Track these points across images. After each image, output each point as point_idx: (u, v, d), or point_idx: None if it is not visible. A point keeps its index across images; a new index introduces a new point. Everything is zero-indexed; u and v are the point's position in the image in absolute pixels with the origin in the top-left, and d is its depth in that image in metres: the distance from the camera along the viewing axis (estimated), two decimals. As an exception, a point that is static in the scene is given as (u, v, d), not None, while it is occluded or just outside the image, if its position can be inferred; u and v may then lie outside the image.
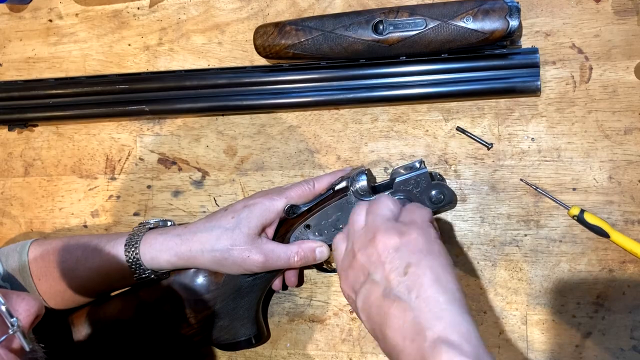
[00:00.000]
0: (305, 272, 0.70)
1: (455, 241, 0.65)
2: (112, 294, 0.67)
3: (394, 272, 0.47)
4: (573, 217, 0.61)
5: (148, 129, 0.74)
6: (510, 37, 0.59)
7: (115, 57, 0.76)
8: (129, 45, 0.75)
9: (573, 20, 0.63)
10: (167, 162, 0.74)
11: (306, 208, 0.62)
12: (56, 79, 0.74)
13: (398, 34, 0.61)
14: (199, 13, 0.73)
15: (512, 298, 0.64)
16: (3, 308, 0.42)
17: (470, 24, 0.59)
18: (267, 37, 0.64)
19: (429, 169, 0.63)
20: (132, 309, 0.65)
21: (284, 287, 0.68)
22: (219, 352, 0.70)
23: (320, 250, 0.62)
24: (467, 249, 0.65)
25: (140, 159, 0.74)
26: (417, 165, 0.61)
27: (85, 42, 0.77)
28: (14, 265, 0.63)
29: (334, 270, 0.66)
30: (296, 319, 0.69)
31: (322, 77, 0.66)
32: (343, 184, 0.62)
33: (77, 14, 0.77)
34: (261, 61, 0.70)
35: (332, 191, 0.62)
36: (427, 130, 0.67)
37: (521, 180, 0.64)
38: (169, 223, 0.67)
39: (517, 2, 0.59)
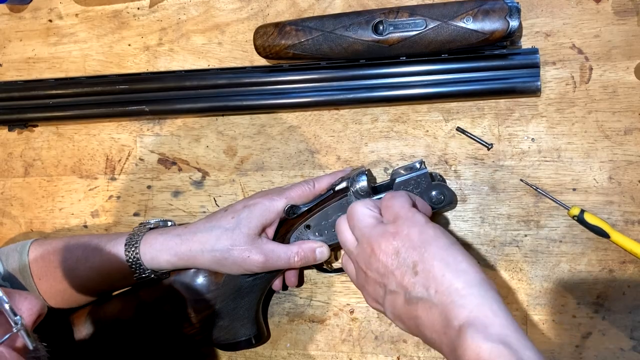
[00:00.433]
0: (306, 272, 0.70)
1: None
2: (113, 294, 0.67)
3: (406, 276, 0.48)
4: (573, 217, 0.61)
5: (148, 129, 0.74)
6: (511, 37, 0.59)
7: (115, 58, 0.76)
8: (129, 45, 0.75)
9: (573, 20, 0.63)
10: (167, 162, 0.74)
11: (306, 208, 0.62)
12: (56, 79, 0.74)
13: (398, 34, 0.61)
14: (199, 13, 0.73)
15: (512, 298, 0.64)
16: (7, 306, 0.42)
17: (470, 24, 0.59)
18: (267, 37, 0.64)
19: (429, 169, 0.63)
20: (132, 309, 0.65)
21: (284, 287, 0.68)
22: (219, 352, 0.70)
23: (320, 251, 0.62)
24: (467, 249, 0.65)
25: (140, 159, 0.74)
26: (418, 165, 0.61)
27: (85, 42, 0.77)
28: (14, 265, 0.63)
29: (334, 271, 0.66)
30: (296, 319, 0.69)
31: (322, 77, 0.66)
32: (343, 185, 0.62)
33: (77, 14, 0.77)
34: (261, 61, 0.70)
35: (332, 192, 0.62)
36: (427, 131, 0.67)
37: (521, 180, 0.64)
38: (169, 223, 0.67)
39: (517, 3, 0.59)
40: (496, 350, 0.41)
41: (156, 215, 0.73)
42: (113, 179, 0.75)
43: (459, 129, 0.66)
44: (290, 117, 0.70)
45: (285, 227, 0.63)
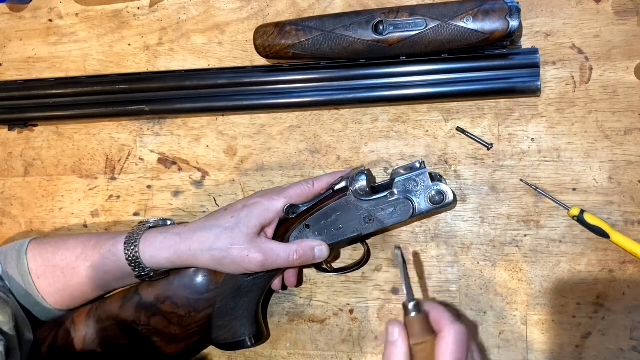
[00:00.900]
0: (305, 272, 0.70)
1: (456, 241, 0.65)
2: (112, 293, 0.67)
3: None
4: (573, 217, 0.61)
5: (148, 129, 0.74)
6: (511, 37, 0.59)
7: (115, 57, 0.76)
8: (129, 45, 0.75)
9: (573, 20, 0.63)
10: (167, 162, 0.74)
11: (305, 208, 0.62)
12: (56, 79, 0.74)
13: (398, 34, 0.61)
14: (199, 13, 0.73)
15: (512, 298, 0.64)
16: None
17: (470, 24, 0.59)
18: (267, 37, 0.64)
19: (429, 169, 0.63)
20: (132, 308, 0.65)
21: (284, 287, 0.68)
22: (218, 352, 0.70)
23: (319, 249, 0.62)
24: (467, 249, 0.65)
25: (140, 159, 0.74)
26: (417, 165, 0.61)
27: (85, 42, 0.77)
28: (12, 264, 0.63)
29: (334, 270, 0.66)
30: (296, 319, 0.69)
31: (322, 77, 0.66)
32: (343, 184, 0.62)
33: (77, 14, 0.77)
34: (261, 61, 0.70)
35: (331, 191, 0.62)
36: (427, 131, 0.67)
37: (521, 180, 0.64)
38: (168, 222, 0.67)
39: (517, 3, 0.59)
40: None
41: (156, 215, 0.73)
42: (113, 178, 0.75)
43: (459, 129, 0.66)
44: (290, 117, 0.70)
45: (285, 227, 0.63)
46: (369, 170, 0.64)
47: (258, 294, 0.65)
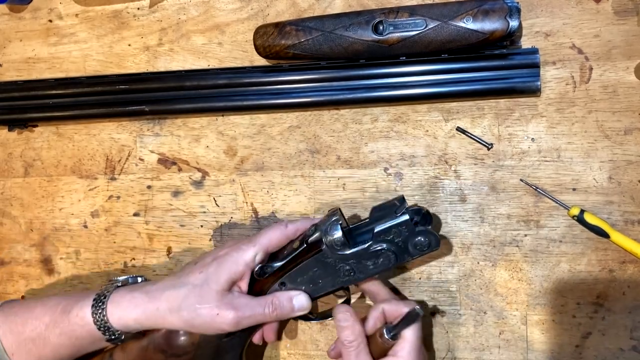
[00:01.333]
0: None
1: (455, 241, 0.65)
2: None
3: None
4: (573, 217, 0.61)
5: (148, 129, 0.74)
6: (510, 37, 0.59)
7: (115, 58, 0.76)
8: (129, 45, 0.75)
9: (573, 20, 0.63)
10: (167, 162, 0.74)
11: (279, 265, 0.59)
12: (56, 79, 0.74)
13: (398, 34, 0.61)
14: (199, 13, 0.73)
15: (512, 298, 0.64)
16: None
17: (470, 24, 0.59)
18: (267, 37, 0.64)
19: (409, 203, 0.60)
20: None
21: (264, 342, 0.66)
22: None
23: (298, 300, 0.59)
24: (467, 249, 0.65)
25: (140, 159, 0.74)
26: (397, 204, 0.58)
27: (85, 42, 0.77)
28: None
29: (321, 316, 0.64)
30: (296, 318, 0.69)
31: (322, 77, 0.66)
32: (317, 235, 0.58)
33: (77, 15, 0.77)
34: (261, 61, 0.70)
35: (305, 245, 0.59)
36: (427, 131, 0.67)
37: (521, 180, 0.64)
38: (139, 279, 0.64)
39: (517, 3, 0.59)
40: None
41: (156, 215, 0.73)
42: (113, 179, 0.75)
43: (459, 129, 0.66)
44: (290, 117, 0.70)
45: (259, 286, 0.60)
46: (340, 211, 0.60)
47: (239, 351, 0.61)
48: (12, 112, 0.75)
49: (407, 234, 0.57)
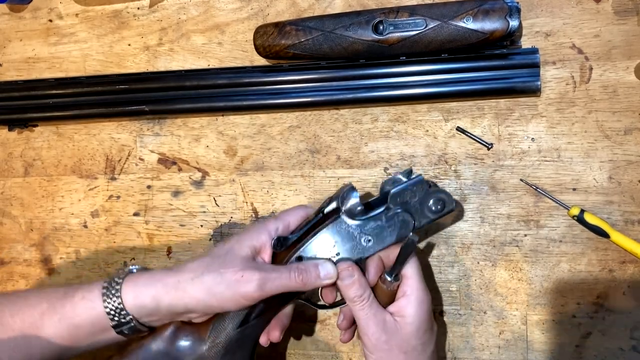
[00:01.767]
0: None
1: (455, 241, 0.65)
2: None
3: None
4: (573, 217, 0.61)
5: (148, 129, 0.74)
6: (511, 37, 0.59)
7: (115, 57, 0.76)
8: (129, 45, 0.75)
9: (573, 20, 0.63)
10: (167, 162, 0.74)
11: (295, 238, 0.57)
12: (56, 79, 0.74)
13: (398, 34, 0.61)
14: (199, 13, 0.73)
15: (512, 298, 0.64)
16: None
17: (470, 24, 0.59)
18: (267, 37, 0.64)
19: (422, 174, 0.59)
20: None
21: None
22: None
23: (324, 267, 0.56)
24: (467, 249, 0.65)
25: (140, 159, 0.74)
26: (405, 176, 0.58)
27: (85, 42, 0.77)
28: None
29: (333, 305, 0.60)
30: (296, 319, 0.69)
31: (322, 77, 0.66)
32: (333, 205, 0.57)
33: (77, 14, 0.77)
34: (261, 61, 0.70)
35: (321, 215, 0.57)
36: (427, 131, 0.67)
37: (521, 180, 0.64)
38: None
39: (517, 3, 0.59)
40: None
41: (156, 215, 0.73)
42: (113, 178, 0.75)
43: (459, 129, 0.66)
44: (290, 117, 0.70)
45: (278, 261, 0.58)
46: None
47: (250, 347, 0.58)
48: (12, 112, 0.75)
49: (422, 195, 0.56)
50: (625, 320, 0.61)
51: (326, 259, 0.56)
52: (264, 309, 0.57)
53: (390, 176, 0.59)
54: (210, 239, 0.72)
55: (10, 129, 0.77)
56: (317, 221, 0.57)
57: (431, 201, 0.57)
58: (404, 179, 0.57)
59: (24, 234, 0.78)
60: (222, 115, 0.72)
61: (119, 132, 0.75)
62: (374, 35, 0.61)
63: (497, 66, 0.62)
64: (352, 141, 0.68)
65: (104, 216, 0.75)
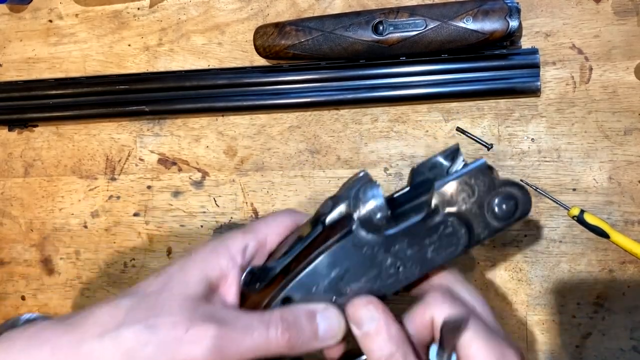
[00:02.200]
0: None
1: (455, 241, 0.65)
2: None
3: None
4: (573, 217, 0.61)
5: (148, 129, 0.74)
6: (510, 37, 0.59)
7: (115, 58, 0.76)
8: (129, 45, 0.75)
9: (573, 20, 0.63)
10: (167, 162, 0.74)
11: (279, 268, 0.38)
12: (56, 80, 0.74)
13: (398, 34, 0.61)
14: (199, 13, 0.73)
15: (512, 298, 0.64)
16: None
17: (470, 24, 0.59)
18: (267, 37, 0.64)
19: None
20: None
21: None
22: None
23: (325, 316, 0.37)
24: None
25: (140, 159, 0.74)
26: (448, 158, 0.39)
27: (85, 42, 0.77)
28: None
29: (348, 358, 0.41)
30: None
31: (322, 77, 0.66)
32: (340, 210, 0.37)
33: (77, 15, 0.77)
34: (261, 61, 0.70)
35: (322, 228, 0.37)
36: (427, 131, 0.67)
37: (521, 180, 0.64)
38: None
39: (517, 3, 0.59)
40: None
41: (156, 215, 0.73)
42: (113, 179, 0.75)
43: (458, 129, 0.66)
44: (290, 117, 0.70)
45: (251, 305, 0.38)
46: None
47: None
48: (12, 112, 0.75)
49: (484, 191, 0.36)
50: (625, 320, 0.61)
51: (328, 302, 0.37)
52: None
53: (424, 159, 0.41)
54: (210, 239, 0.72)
55: (10, 129, 0.77)
56: (314, 238, 0.38)
57: (496, 200, 0.37)
58: (447, 164, 0.39)
59: (24, 234, 0.78)
60: (222, 116, 0.72)
61: (119, 132, 0.75)
62: (374, 36, 0.61)
63: (497, 66, 0.62)
64: (352, 141, 0.68)
65: (104, 216, 0.75)
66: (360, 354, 0.38)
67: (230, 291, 0.37)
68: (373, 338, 0.36)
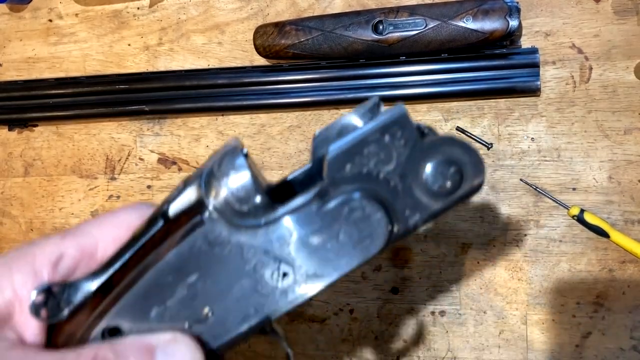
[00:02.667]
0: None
1: (456, 241, 0.65)
2: None
3: None
4: (573, 217, 0.61)
5: (148, 129, 0.74)
6: (510, 37, 0.59)
7: (115, 57, 0.76)
8: (129, 45, 0.75)
9: (573, 20, 0.63)
10: (167, 162, 0.74)
11: (100, 283, 0.27)
12: (56, 79, 0.74)
13: (398, 33, 0.61)
14: (198, 13, 0.73)
15: (512, 298, 0.64)
16: None
17: (470, 23, 0.59)
18: (267, 37, 0.64)
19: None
20: None
21: None
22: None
23: (169, 353, 0.26)
24: (468, 248, 0.65)
25: (140, 159, 0.74)
26: (366, 114, 0.27)
27: (85, 42, 0.77)
28: None
29: None
30: (296, 319, 0.69)
31: (322, 77, 0.66)
32: (190, 195, 0.28)
33: (77, 14, 0.77)
34: (261, 61, 0.70)
35: (162, 222, 0.29)
36: (427, 130, 0.67)
37: (521, 180, 0.64)
38: None
39: (517, 2, 0.59)
40: None
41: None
42: (113, 178, 0.75)
43: (458, 129, 0.66)
44: (290, 117, 0.70)
45: (61, 338, 0.28)
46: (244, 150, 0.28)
47: None
48: (12, 112, 0.76)
49: (406, 154, 0.26)
50: (625, 320, 0.61)
51: (177, 328, 0.27)
52: None
53: (332, 121, 0.28)
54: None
55: (10, 129, 0.77)
56: (150, 236, 0.28)
57: (429, 167, 0.26)
58: (361, 122, 0.27)
59: (24, 234, 0.78)
60: (222, 115, 0.72)
61: (119, 132, 0.75)
62: (374, 35, 0.61)
63: (497, 66, 0.62)
64: (352, 141, 0.68)
65: (104, 216, 0.75)
66: None
67: (31, 322, 0.26)
68: None
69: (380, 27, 0.61)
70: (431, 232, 0.66)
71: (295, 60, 0.66)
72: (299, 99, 0.67)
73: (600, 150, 0.62)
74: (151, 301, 0.26)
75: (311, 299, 0.27)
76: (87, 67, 0.77)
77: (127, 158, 0.75)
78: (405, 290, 0.67)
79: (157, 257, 0.26)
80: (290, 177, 0.29)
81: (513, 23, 0.58)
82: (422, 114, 0.67)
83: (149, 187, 0.74)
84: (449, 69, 0.63)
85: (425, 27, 0.60)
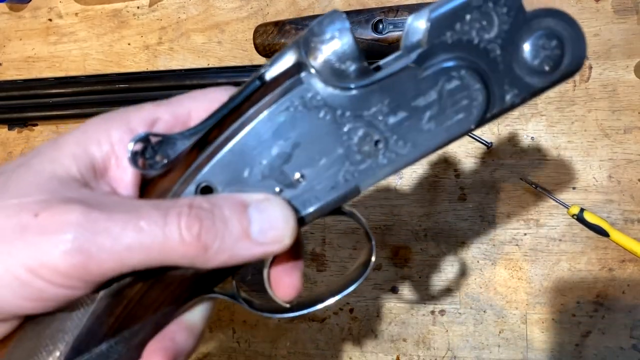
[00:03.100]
0: (305, 271, 0.70)
1: (455, 240, 0.65)
2: None
3: None
4: (573, 216, 0.61)
5: (148, 128, 0.74)
6: (510, 36, 0.59)
7: (115, 57, 0.76)
8: (129, 44, 0.75)
9: (573, 19, 0.63)
10: (166, 161, 0.74)
11: (196, 137, 0.27)
12: (56, 78, 0.74)
13: (398, 32, 0.61)
14: (198, 12, 0.73)
15: (512, 297, 0.64)
16: None
17: (469, 23, 0.59)
18: (266, 36, 0.64)
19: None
20: None
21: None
22: (219, 351, 0.70)
23: (262, 209, 0.25)
24: (467, 248, 0.65)
25: (140, 158, 0.74)
26: None
27: (85, 41, 0.77)
28: None
29: (265, 311, 0.31)
30: (296, 318, 0.69)
31: (322, 76, 0.66)
32: (289, 57, 0.26)
33: (76, 14, 0.77)
34: (261, 60, 0.70)
35: (258, 83, 0.27)
36: (427, 130, 0.67)
37: (521, 179, 0.64)
38: None
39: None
40: None
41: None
42: (113, 178, 0.75)
43: (458, 128, 0.66)
44: (290, 116, 0.70)
45: (154, 193, 0.28)
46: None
47: None
48: (12, 111, 0.75)
49: (509, 23, 0.25)
50: (625, 319, 0.61)
51: (269, 191, 0.27)
52: (122, 312, 0.26)
53: None
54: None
55: (10, 128, 0.77)
56: (247, 95, 0.27)
57: (530, 41, 0.25)
58: None
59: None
60: (222, 115, 0.72)
61: (119, 131, 0.75)
62: (374, 34, 0.61)
63: (497, 65, 0.62)
64: (351, 140, 0.68)
65: (103, 215, 0.75)
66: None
67: (125, 177, 0.26)
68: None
69: (380, 26, 0.61)
70: (431, 232, 0.66)
71: (295, 60, 0.66)
72: (298, 98, 0.67)
73: (600, 149, 0.62)
74: (244, 161, 0.26)
75: (401, 170, 0.27)
76: (87, 67, 0.77)
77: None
78: (405, 289, 0.67)
79: (253, 116, 0.26)
80: (382, 62, 0.27)
81: (513, 22, 0.58)
82: (422, 113, 0.67)
83: (148, 186, 0.74)
84: (449, 68, 0.63)
85: (425, 26, 0.60)
